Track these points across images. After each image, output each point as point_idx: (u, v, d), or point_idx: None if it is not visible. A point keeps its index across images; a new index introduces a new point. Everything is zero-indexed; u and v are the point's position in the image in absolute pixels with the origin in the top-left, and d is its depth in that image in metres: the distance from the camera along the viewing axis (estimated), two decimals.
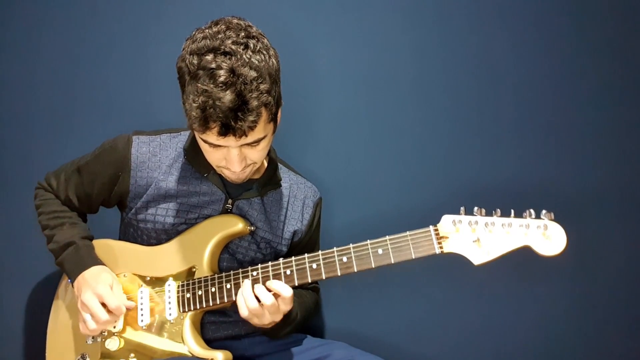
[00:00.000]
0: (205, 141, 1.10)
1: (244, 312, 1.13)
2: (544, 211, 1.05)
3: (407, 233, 1.10)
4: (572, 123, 1.46)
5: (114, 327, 1.23)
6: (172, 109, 1.33)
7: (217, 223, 1.24)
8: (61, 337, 1.29)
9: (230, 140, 1.07)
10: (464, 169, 1.49)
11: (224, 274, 1.20)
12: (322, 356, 1.26)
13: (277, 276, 1.16)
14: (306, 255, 1.16)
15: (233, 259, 1.28)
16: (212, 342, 1.25)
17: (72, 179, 1.29)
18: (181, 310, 1.21)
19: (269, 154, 1.31)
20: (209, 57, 1.03)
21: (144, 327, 1.22)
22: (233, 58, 1.02)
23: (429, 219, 1.11)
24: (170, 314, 1.21)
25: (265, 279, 1.16)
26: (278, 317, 1.15)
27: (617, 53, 1.44)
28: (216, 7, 1.43)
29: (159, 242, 1.27)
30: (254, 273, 1.18)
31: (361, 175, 1.52)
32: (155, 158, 1.25)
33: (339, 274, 1.13)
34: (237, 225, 1.23)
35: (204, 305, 1.19)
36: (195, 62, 1.04)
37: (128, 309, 1.21)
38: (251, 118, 1.03)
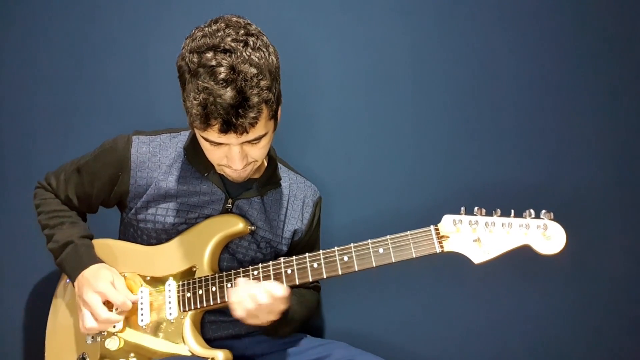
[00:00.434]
0: (206, 139, 1.11)
1: (239, 313, 1.12)
2: (543, 211, 1.06)
3: (408, 232, 1.11)
4: (572, 123, 1.47)
5: (114, 327, 1.23)
6: (172, 108, 1.34)
7: (217, 223, 1.24)
8: (60, 337, 1.29)
9: (231, 138, 1.07)
10: (464, 169, 1.49)
11: (224, 273, 1.20)
12: (322, 356, 1.26)
13: (278, 275, 1.16)
14: (307, 254, 1.16)
15: (233, 259, 1.28)
16: (212, 342, 1.24)
17: (72, 179, 1.29)
18: (181, 310, 1.21)
19: (268, 153, 1.31)
20: (209, 54, 1.03)
21: (144, 327, 1.22)
22: (233, 55, 1.03)
23: (430, 219, 1.12)
24: (170, 314, 1.21)
25: (266, 279, 1.16)
26: (273, 317, 1.15)
27: (617, 53, 1.45)
28: (215, 6, 1.43)
29: (159, 242, 1.27)
30: (255, 272, 1.18)
31: (362, 175, 1.53)
32: (155, 158, 1.25)
33: (340, 273, 1.13)
34: (237, 225, 1.24)
35: (205, 305, 1.19)
36: (195, 60, 1.04)
37: (133, 303, 1.20)
38: (252, 114, 1.04)
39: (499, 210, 1.08)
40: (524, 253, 1.07)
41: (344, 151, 1.54)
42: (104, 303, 1.18)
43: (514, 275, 1.44)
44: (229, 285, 1.19)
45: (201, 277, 1.21)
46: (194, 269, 1.23)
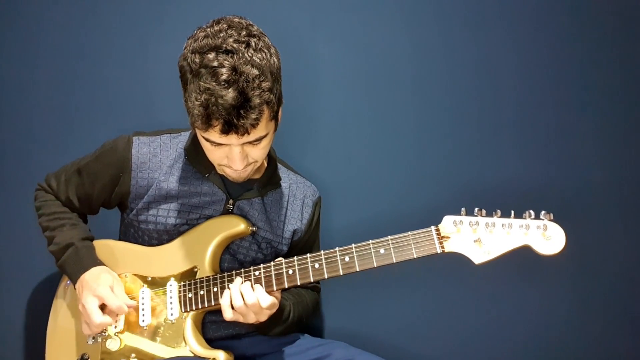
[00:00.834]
0: (207, 139, 1.11)
1: (228, 314, 1.13)
2: (543, 212, 1.07)
3: (409, 233, 1.11)
4: (572, 124, 1.48)
5: (115, 327, 1.23)
6: (173, 109, 1.34)
7: (219, 223, 1.24)
8: (61, 337, 1.29)
9: (232, 138, 1.07)
10: (464, 170, 1.50)
11: (226, 274, 1.20)
12: (322, 356, 1.27)
13: (279, 275, 1.17)
14: (308, 255, 1.16)
15: (234, 260, 1.28)
16: (212, 342, 1.25)
17: (73, 180, 1.28)
18: (183, 310, 1.21)
19: (269, 153, 1.31)
20: (211, 55, 1.03)
21: (145, 327, 1.22)
22: (235, 56, 1.03)
23: (430, 220, 1.12)
24: (171, 314, 1.22)
25: (268, 279, 1.17)
26: (262, 318, 1.15)
27: (617, 53, 1.46)
28: (217, 6, 1.43)
29: (160, 243, 1.27)
30: (256, 273, 1.18)
31: (362, 176, 1.53)
32: (156, 159, 1.25)
33: (341, 274, 1.14)
34: (239, 225, 1.24)
35: (206, 305, 1.20)
36: (197, 60, 1.04)
37: (130, 308, 1.20)
38: (253, 116, 1.04)
39: (499, 211, 1.08)
40: (524, 253, 1.07)
41: (344, 152, 1.54)
42: (100, 307, 1.18)
43: (514, 275, 1.45)
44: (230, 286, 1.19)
45: (202, 278, 1.21)
46: (195, 269, 1.23)
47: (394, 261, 1.11)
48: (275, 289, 1.16)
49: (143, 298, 1.24)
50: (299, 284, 1.16)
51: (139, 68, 1.55)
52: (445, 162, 1.51)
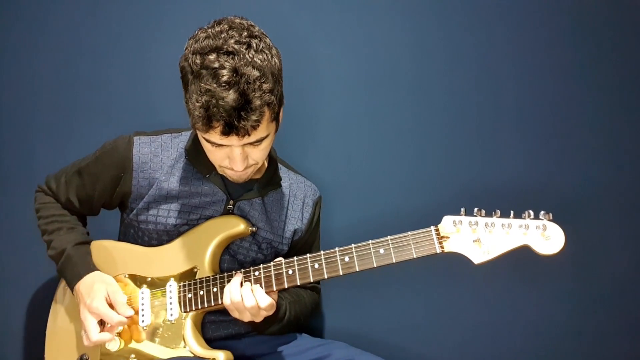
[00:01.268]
0: (208, 140, 1.11)
1: (226, 300, 1.14)
2: (542, 212, 1.07)
3: (409, 233, 1.11)
4: (572, 124, 1.47)
5: None
6: (173, 109, 1.34)
7: (218, 224, 1.25)
8: (60, 338, 1.29)
9: (233, 140, 1.07)
10: (464, 170, 1.50)
11: (226, 274, 1.20)
12: (322, 356, 1.27)
13: (279, 276, 1.17)
14: (308, 255, 1.16)
15: (234, 260, 1.28)
16: (212, 342, 1.25)
17: (73, 181, 1.28)
18: (182, 311, 1.21)
19: (269, 153, 1.31)
20: (212, 56, 1.03)
21: (144, 328, 1.22)
22: (236, 57, 1.03)
23: (430, 220, 1.12)
24: (171, 315, 1.21)
25: (267, 279, 1.17)
26: (258, 319, 1.16)
27: (617, 53, 1.45)
28: (218, 7, 1.43)
29: (160, 243, 1.27)
30: (256, 273, 1.18)
31: (362, 176, 1.53)
32: (157, 159, 1.25)
33: (341, 274, 1.14)
34: (238, 226, 1.24)
35: (206, 306, 1.20)
36: (198, 61, 1.04)
37: (129, 318, 1.20)
38: (254, 117, 1.04)
39: (498, 211, 1.08)
40: (524, 253, 1.07)
41: (344, 152, 1.54)
42: (99, 322, 1.18)
43: (514, 275, 1.45)
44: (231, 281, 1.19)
45: (202, 278, 1.21)
46: (195, 269, 1.23)
47: (394, 261, 1.11)
48: (275, 289, 1.16)
49: (142, 298, 1.24)
50: (298, 284, 1.16)
51: (139, 68, 1.55)
52: (445, 162, 1.51)
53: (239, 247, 1.28)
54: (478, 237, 1.09)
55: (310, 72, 1.53)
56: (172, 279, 1.24)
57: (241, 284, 1.16)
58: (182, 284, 1.23)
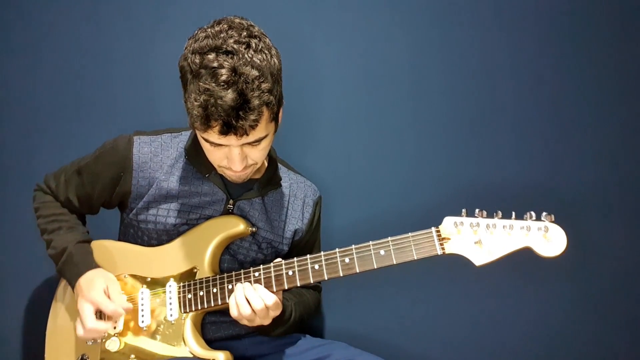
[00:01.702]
0: (206, 140, 1.11)
1: (234, 312, 1.13)
2: (544, 213, 1.06)
3: (409, 234, 1.11)
4: (573, 125, 1.47)
5: (114, 328, 1.23)
6: (173, 108, 1.33)
7: (218, 224, 1.24)
8: (60, 338, 1.29)
9: (231, 139, 1.07)
10: (465, 171, 1.49)
11: (225, 275, 1.20)
12: (322, 356, 1.27)
13: (279, 277, 1.16)
14: (308, 256, 1.16)
15: (234, 260, 1.28)
16: (212, 342, 1.25)
17: (73, 180, 1.28)
18: (182, 311, 1.21)
19: (269, 153, 1.31)
20: (211, 56, 1.03)
21: (144, 328, 1.22)
22: (235, 57, 1.03)
23: (431, 221, 1.12)
24: (171, 315, 1.21)
25: (267, 280, 1.16)
26: (267, 321, 1.16)
27: (617, 53, 1.45)
28: (218, 7, 1.43)
29: (159, 243, 1.27)
30: (256, 274, 1.18)
31: (363, 177, 1.53)
32: (157, 158, 1.24)
33: (341, 275, 1.13)
34: (238, 226, 1.23)
35: (206, 306, 1.19)
36: (197, 61, 1.04)
37: (126, 310, 1.20)
38: (252, 117, 1.03)
39: (500, 212, 1.08)
40: (525, 255, 1.07)
41: (345, 152, 1.53)
42: (96, 312, 1.18)
43: (515, 277, 1.45)
44: (230, 286, 1.19)
45: (202, 279, 1.21)
46: (195, 270, 1.23)
47: (394, 262, 1.11)
48: (275, 290, 1.16)
49: (142, 299, 1.23)
50: (298, 285, 1.15)
51: (139, 67, 1.54)
52: (446, 162, 1.50)
53: (239, 247, 1.28)
54: (479, 239, 1.08)
55: (310, 72, 1.52)
56: (171, 279, 1.23)
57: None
58: (181, 284, 1.22)
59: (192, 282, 1.22)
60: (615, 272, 1.46)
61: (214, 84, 1.01)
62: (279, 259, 1.18)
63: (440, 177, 1.50)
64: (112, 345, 1.21)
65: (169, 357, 1.19)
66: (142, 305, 1.23)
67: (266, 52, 1.06)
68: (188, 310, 1.21)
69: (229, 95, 1.01)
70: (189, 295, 1.21)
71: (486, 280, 1.45)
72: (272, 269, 1.17)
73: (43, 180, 1.33)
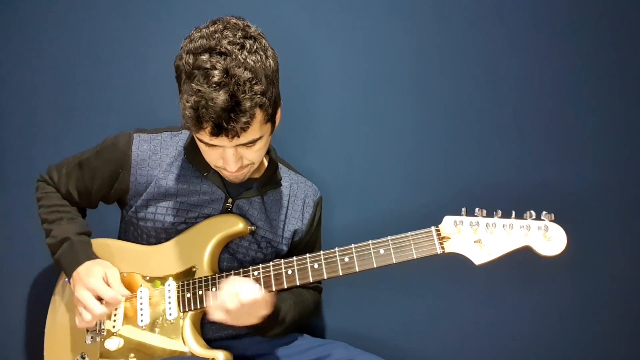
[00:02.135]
0: (200, 140, 1.11)
1: (217, 316, 1.10)
2: (544, 212, 1.06)
3: (409, 233, 1.11)
4: (573, 124, 1.47)
5: (113, 327, 1.23)
6: (174, 107, 1.32)
7: (217, 223, 1.24)
8: (59, 336, 1.29)
9: (223, 141, 1.07)
10: (465, 170, 1.49)
11: (224, 274, 1.20)
12: (322, 356, 1.26)
13: (278, 276, 1.16)
14: (308, 255, 1.16)
15: (233, 259, 1.28)
16: (212, 342, 1.24)
17: (73, 174, 1.28)
18: (181, 310, 1.21)
19: (269, 153, 1.31)
20: (205, 57, 1.02)
21: (143, 327, 1.22)
22: (228, 58, 1.02)
23: (431, 220, 1.12)
24: (170, 314, 1.21)
25: (267, 279, 1.16)
26: (254, 320, 1.14)
27: (617, 53, 1.45)
28: (220, 6, 1.43)
29: (158, 242, 1.27)
30: (255, 273, 1.18)
31: (363, 176, 1.53)
32: (156, 156, 1.24)
33: (341, 274, 1.13)
34: (237, 225, 1.23)
35: (205, 305, 1.19)
36: (191, 61, 1.04)
37: (125, 297, 1.20)
38: (244, 119, 1.03)
39: (499, 212, 1.08)
40: (525, 254, 1.07)
41: (344, 151, 1.53)
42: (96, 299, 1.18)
43: (515, 276, 1.44)
44: (213, 289, 1.18)
45: (201, 278, 1.21)
46: (194, 269, 1.23)
47: (394, 262, 1.11)
48: (274, 290, 1.16)
49: (141, 298, 1.23)
50: (298, 284, 1.15)
51: (139, 66, 1.54)
52: (446, 162, 1.50)
53: (238, 246, 1.28)
54: (479, 238, 1.08)
55: (310, 71, 1.52)
56: (170, 278, 1.23)
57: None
58: (180, 283, 1.22)
59: (191, 281, 1.21)
60: (616, 273, 1.46)
61: (205, 86, 1.01)
62: (279, 259, 1.18)
63: (440, 176, 1.50)
64: (111, 344, 1.21)
65: (168, 356, 1.19)
66: (141, 304, 1.23)
67: (261, 53, 1.06)
68: (187, 309, 1.20)
69: (220, 97, 1.00)
70: (188, 295, 1.21)
71: (486, 279, 1.45)
72: (271, 268, 1.17)
73: (46, 171, 1.34)
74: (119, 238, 1.34)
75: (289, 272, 1.16)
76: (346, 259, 1.13)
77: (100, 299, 1.18)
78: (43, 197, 1.31)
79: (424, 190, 1.50)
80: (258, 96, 1.04)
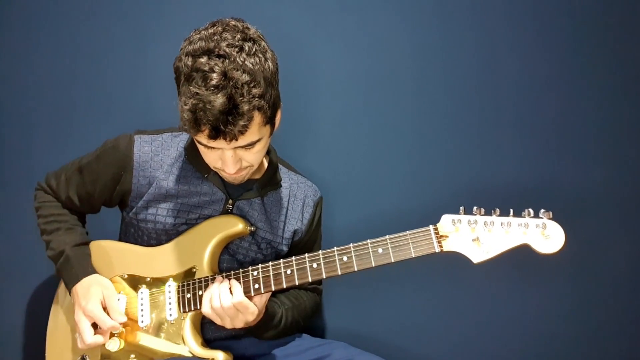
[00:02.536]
0: (199, 142, 1.11)
1: (206, 308, 1.14)
2: (542, 210, 1.06)
3: (407, 232, 1.11)
4: (571, 123, 1.47)
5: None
6: (174, 108, 1.33)
7: (217, 223, 1.24)
8: (61, 338, 1.29)
9: (221, 143, 1.07)
10: (463, 169, 1.49)
11: (224, 274, 1.20)
12: (322, 356, 1.26)
13: (277, 276, 1.16)
14: (307, 254, 1.16)
15: (233, 260, 1.28)
16: (212, 342, 1.25)
17: (74, 179, 1.29)
18: (181, 311, 1.21)
19: (269, 154, 1.31)
20: (203, 59, 1.03)
21: (144, 328, 1.22)
22: (226, 61, 1.02)
23: (429, 219, 1.12)
24: (170, 315, 1.21)
25: (266, 279, 1.16)
26: (239, 323, 1.15)
27: (617, 53, 1.45)
28: (218, 6, 1.44)
29: (159, 243, 1.27)
30: (255, 273, 1.18)
31: (361, 176, 1.53)
32: (157, 157, 1.25)
33: (340, 273, 1.13)
34: (237, 225, 1.24)
35: None
36: (189, 63, 1.04)
37: (122, 324, 1.21)
38: (242, 122, 1.03)
39: (497, 210, 1.07)
40: (523, 252, 1.06)
41: (343, 151, 1.54)
42: (93, 324, 1.19)
43: (513, 274, 1.44)
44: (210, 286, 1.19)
45: (201, 278, 1.21)
46: (194, 269, 1.23)
47: (392, 261, 1.11)
48: (273, 289, 1.16)
49: (142, 299, 1.24)
50: (297, 284, 1.15)
51: (140, 67, 1.55)
52: (444, 160, 1.50)
53: (238, 246, 1.28)
54: (477, 236, 1.08)
55: (310, 72, 1.52)
56: (171, 279, 1.24)
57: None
58: (181, 284, 1.23)
59: (191, 282, 1.22)
60: (615, 271, 1.46)
61: (203, 88, 1.01)
62: (279, 259, 1.18)
63: (438, 175, 1.50)
64: (112, 345, 1.22)
65: (168, 357, 1.19)
66: (142, 305, 1.23)
67: (260, 55, 1.06)
68: (187, 310, 1.21)
69: (218, 100, 1.00)
70: (188, 295, 1.21)
71: (485, 278, 1.45)
72: (270, 268, 1.17)
73: (44, 179, 1.34)
74: (120, 239, 1.34)
75: (288, 271, 1.16)
76: (345, 259, 1.13)
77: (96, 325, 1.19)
78: (41, 207, 1.31)
79: (422, 189, 1.50)
80: (256, 99, 1.04)
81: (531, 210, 1.06)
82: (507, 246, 1.07)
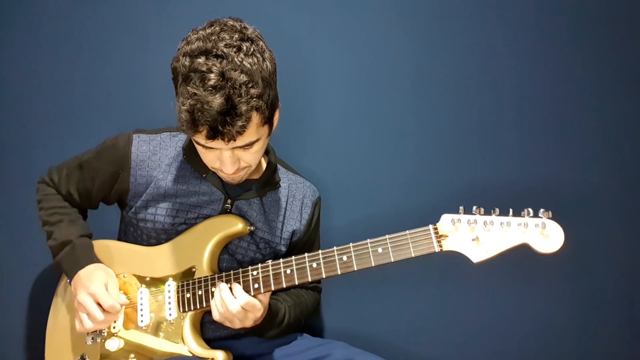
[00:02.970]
0: (197, 143, 1.11)
1: (215, 315, 1.14)
2: (541, 210, 1.06)
3: (407, 232, 1.11)
4: (571, 123, 1.47)
5: (114, 328, 1.23)
6: (172, 108, 1.34)
7: (216, 223, 1.24)
8: (60, 337, 1.29)
9: (219, 143, 1.07)
10: (463, 168, 1.49)
11: (224, 274, 1.20)
12: (322, 356, 1.26)
13: (277, 275, 1.16)
14: (306, 254, 1.16)
15: (233, 260, 1.28)
16: (212, 342, 1.25)
17: (74, 175, 1.29)
18: (181, 311, 1.21)
19: (267, 154, 1.31)
20: (201, 59, 1.02)
21: (143, 328, 1.22)
22: (224, 61, 1.02)
23: (428, 218, 1.12)
24: (170, 314, 1.21)
25: (266, 279, 1.16)
26: (248, 323, 1.15)
27: (617, 53, 1.45)
28: (219, 5, 1.44)
29: (158, 242, 1.27)
30: (254, 272, 1.18)
31: (361, 175, 1.53)
32: (155, 157, 1.25)
33: (339, 273, 1.13)
34: (236, 225, 1.24)
35: (204, 305, 1.19)
36: (187, 64, 1.04)
37: (123, 305, 1.21)
38: (240, 123, 1.03)
39: (497, 210, 1.08)
40: (523, 252, 1.06)
41: (343, 151, 1.54)
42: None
43: (513, 274, 1.44)
44: (228, 285, 1.19)
45: (200, 278, 1.21)
46: (194, 269, 1.23)
47: (392, 260, 1.11)
48: (273, 289, 1.16)
49: (141, 298, 1.24)
50: (297, 283, 1.15)
51: (139, 67, 1.55)
52: (444, 160, 1.50)
53: (238, 246, 1.28)
54: (477, 236, 1.08)
55: (309, 72, 1.53)
56: (170, 278, 1.24)
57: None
58: (180, 283, 1.23)
59: (190, 282, 1.22)
60: (614, 271, 1.46)
61: (201, 89, 1.01)
62: (278, 259, 1.18)
63: (438, 175, 1.50)
64: (112, 344, 1.22)
65: (168, 356, 1.19)
66: (141, 304, 1.23)
67: (258, 55, 1.06)
68: (187, 310, 1.21)
69: (216, 101, 1.00)
70: (188, 295, 1.21)
71: (484, 278, 1.45)
72: (270, 268, 1.17)
73: (47, 173, 1.34)
74: (119, 239, 1.34)
75: (288, 271, 1.16)
76: (344, 258, 1.13)
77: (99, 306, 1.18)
78: (43, 199, 1.31)
79: (422, 189, 1.50)
80: (254, 99, 1.04)
81: (530, 210, 1.07)
82: (507, 246, 1.07)
